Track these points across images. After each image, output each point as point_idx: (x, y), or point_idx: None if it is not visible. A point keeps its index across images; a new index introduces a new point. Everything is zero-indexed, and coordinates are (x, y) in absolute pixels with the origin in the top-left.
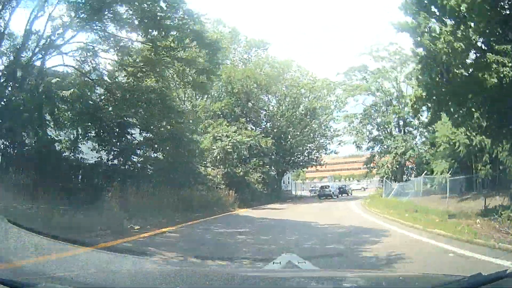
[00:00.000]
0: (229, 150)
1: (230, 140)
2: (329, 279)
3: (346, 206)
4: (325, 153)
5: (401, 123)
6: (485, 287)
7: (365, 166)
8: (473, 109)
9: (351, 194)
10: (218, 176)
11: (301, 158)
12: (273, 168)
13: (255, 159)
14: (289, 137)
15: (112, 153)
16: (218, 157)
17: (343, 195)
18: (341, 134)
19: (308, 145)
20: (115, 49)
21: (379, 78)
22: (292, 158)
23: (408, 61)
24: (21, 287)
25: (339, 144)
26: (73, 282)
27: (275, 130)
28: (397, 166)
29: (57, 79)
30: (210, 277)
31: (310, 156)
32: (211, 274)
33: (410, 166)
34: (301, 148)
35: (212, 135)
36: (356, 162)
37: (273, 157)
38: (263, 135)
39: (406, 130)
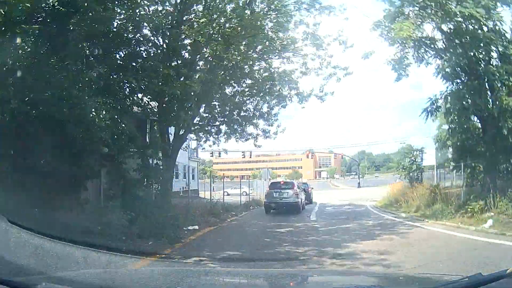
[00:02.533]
0: None
1: None
2: (330, 279)
3: None
4: (304, 99)
5: None
6: (485, 287)
7: (424, 114)
8: None
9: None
10: None
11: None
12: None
13: None
14: None
15: None
16: None
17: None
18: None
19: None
20: None
21: None
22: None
23: None
24: (21, 287)
25: (334, 75)
26: (73, 282)
27: None
28: None
29: None
30: (210, 276)
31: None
32: (212, 274)
33: None
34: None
35: None
36: (266, 161)
37: None
38: None
39: None
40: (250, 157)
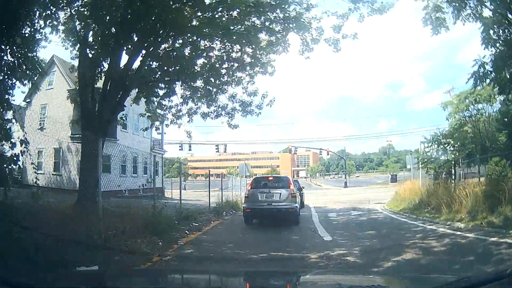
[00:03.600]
0: None
1: None
2: (330, 279)
3: None
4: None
5: None
6: (485, 287)
7: (472, 80)
8: None
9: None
10: None
11: None
12: None
13: None
14: None
15: None
16: None
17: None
18: None
19: None
20: None
21: None
22: None
23: None
24: (21, 287)
25: (356, 10)
26: (73, 281)
27: None
28: None
29: None
30: (210, 277)
31: None
32: (211, 274)
33: None
34: None
35: None
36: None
37: None
38: None
39: None
40: (225, 152)
